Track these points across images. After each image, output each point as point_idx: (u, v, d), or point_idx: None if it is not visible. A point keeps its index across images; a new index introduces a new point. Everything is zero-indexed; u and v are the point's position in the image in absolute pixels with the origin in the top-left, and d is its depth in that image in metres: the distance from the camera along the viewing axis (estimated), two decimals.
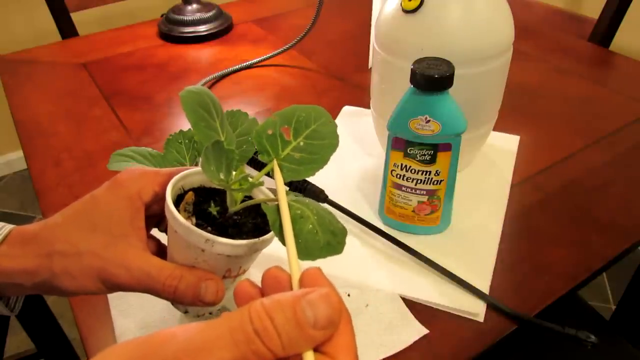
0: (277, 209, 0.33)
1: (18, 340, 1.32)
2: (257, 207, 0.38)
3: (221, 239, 0.34)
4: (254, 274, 0.42)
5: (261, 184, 0.36)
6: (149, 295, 0.50)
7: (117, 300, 0.50)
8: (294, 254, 0.30)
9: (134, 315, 0.48)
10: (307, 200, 0.34)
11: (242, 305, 0.26)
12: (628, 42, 1.26)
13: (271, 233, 0.36)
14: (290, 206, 0.33)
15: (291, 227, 0.32)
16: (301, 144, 0.37)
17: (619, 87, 0.84)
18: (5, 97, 0.85)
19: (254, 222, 0.37)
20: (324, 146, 0.37)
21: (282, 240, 0.32)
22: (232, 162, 0.35)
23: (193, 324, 0.25)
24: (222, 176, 0.34)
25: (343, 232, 0.34)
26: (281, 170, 0.36)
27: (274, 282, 0.29)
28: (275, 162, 0.36)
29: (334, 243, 0.33)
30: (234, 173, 0.36)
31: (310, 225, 0.33)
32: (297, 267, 0.29)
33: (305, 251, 0.32)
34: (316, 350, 0.25)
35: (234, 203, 0.37)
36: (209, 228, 0.35)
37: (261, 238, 0.35)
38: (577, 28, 1.12)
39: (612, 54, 0.97)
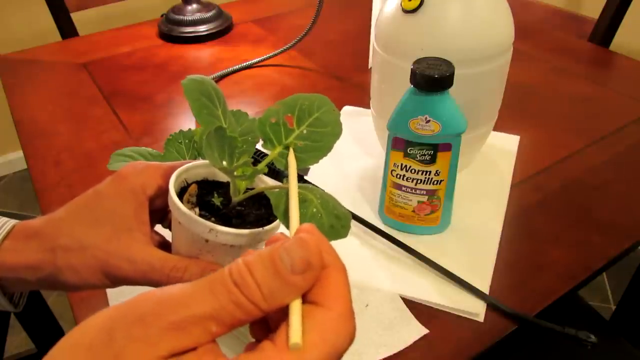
0: (281, 194, 0.33)
1: (18, 340, 1.32)
2: (260, 198, 0.38)
3: (225, 229, 0.34)
4: None
5: (264, 170, 0.36)
6: None
7: (117, 301, 0.50)
8: (296, 216, 0.30)
9: None
10: (310, 185, 0.35)
11: None
12: (628, 42, 1.26)
13: (275, 223, 0.36)
14: None
15: (297, 191, 0.32)
16: (304, 132, 0.37)
17: (619, 87, 0.84)
18: (6, 97, 0.85)
19: (258, 213, 0.37)
20: (327, 134, 0.37)
21: (287, 224, 0.32)
22: (235, 149, 0.35)
23: (174, 284, 0.25)
24: (224, 164, 0.34)
25: (347, 217, 0.34)
26: (284, 158, 0.36)
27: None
28: (291, 150, 0.36)
29: (338, 227, 0.33)
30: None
31: (314, 209, 0.33)
32: (296, 226, 0.29)
33: None
34: (305, 301, 0.25)
35: (237, 193, 0.37)
36: (213, 219, 0.35)
37: (265, 227, 0.35)
38: (577, 28, 1.12)
39: (612, 54, 0.97)
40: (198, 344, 0.23)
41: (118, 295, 0.50)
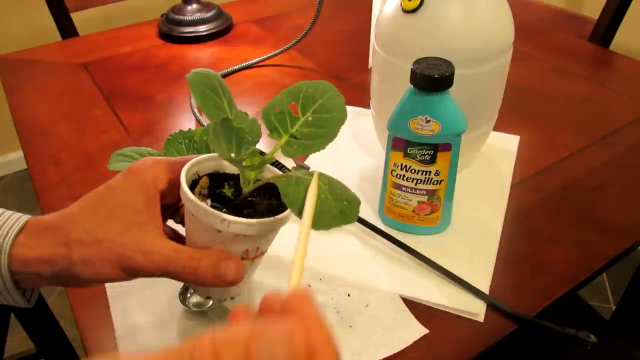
0: (289, 181, 0.33)
1: (18, 340, 1.32)
2: (272, 189, 0.39)
3: (236, 218, 0.34)
4: (271, 267, 0.42)
5: (272, 159, 0.36)
6: (149, 296, 0.50)
7: (117, 301, 0.50)
8: (299, 269, 0.28)
9: (134, 315, 0.48)
10: (318, 172, 0.35)
11: None
12: (628, 42, 1.26)
13: (286, 212, 0.36)
14: (300, 179, 0.33)
15: (308, 236, 0.31)
16: (309, 119, 0.37)
17: (619, 87, 0.84)
18: (6, 97, 0.85)
19: (269, 203, 0.38)
20: (332, 119, 0.37)
21: (295, 211, 0.32)
22: (243, 140, 0.35)
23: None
24: (232, 155, 0.34)
25: (356, 201, 0.34)
26: (291, 146, 0.36)
27: (266, 307, 0.26)
28: (316, 175, 0.36)
29: (347, 212, 0.33)
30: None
31: (323, 195, 0.33)
32: (297, 281, 0.27)
33: (319, 221, 0.31)
34: None
35: (247, 183, 0.37)
36: (224, 210, 0.36)
37: (276, 217, 0.35)
38: (577, 28, 1.12)
39: (612, 54, 0.97)
40: None
41: (118, 296, 0.50)
